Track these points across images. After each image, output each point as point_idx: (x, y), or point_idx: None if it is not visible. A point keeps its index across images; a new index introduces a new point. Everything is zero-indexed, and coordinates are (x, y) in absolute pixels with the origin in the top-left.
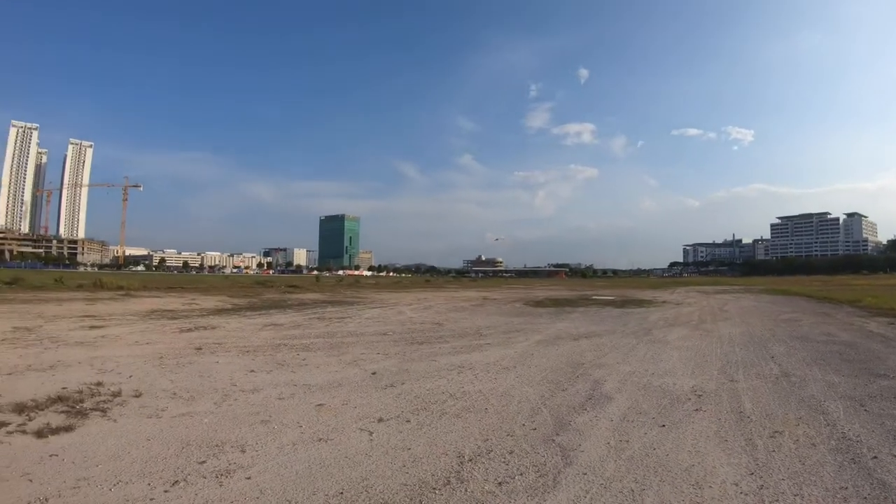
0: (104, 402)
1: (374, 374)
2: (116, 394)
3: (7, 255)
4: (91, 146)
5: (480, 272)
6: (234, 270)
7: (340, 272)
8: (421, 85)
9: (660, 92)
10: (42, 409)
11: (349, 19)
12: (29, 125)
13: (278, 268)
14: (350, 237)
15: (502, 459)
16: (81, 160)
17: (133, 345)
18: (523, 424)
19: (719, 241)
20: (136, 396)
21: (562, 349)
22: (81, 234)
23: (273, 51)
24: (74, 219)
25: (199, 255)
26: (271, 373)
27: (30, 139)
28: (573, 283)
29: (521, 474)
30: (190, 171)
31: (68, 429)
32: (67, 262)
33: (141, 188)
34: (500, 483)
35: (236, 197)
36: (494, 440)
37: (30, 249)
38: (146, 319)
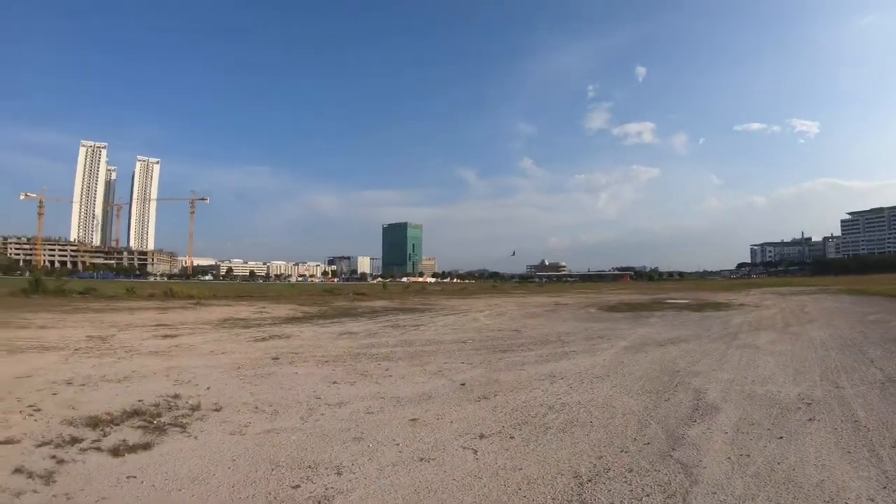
0: (183, 416)
1: (462, 385)
2: (195, 407)
3: (80, 266)
4: (158, 162)
5: (544, 277)
6: (300, 279)
7: (404, 279)
8: (478, 91)
9: (720, 86)
10: (118, 424)
11: (406, 32)
12: (98, 144)
13: (343, 276)
14: (413, 244)
15: (623, 479)
16: (149, 175)
17: (208, 354)
18: (635, 439)
19: (787, 239)
20: (217, 410)
21: (651, 356)
22: (151, 246)
23: (332, 63)
24: (144, 231)
25: (264, 264)
26: (355, 384)
27: (99, 157)
28: (641, 287)
29: (648, 496)
30: (253, 183)
31: (146, 446)
32: (138, 272)
33: (207, 201)
34: None
35: (299, 207)
36: (609, 457)
37: (102, 261)
38: (219, 328)
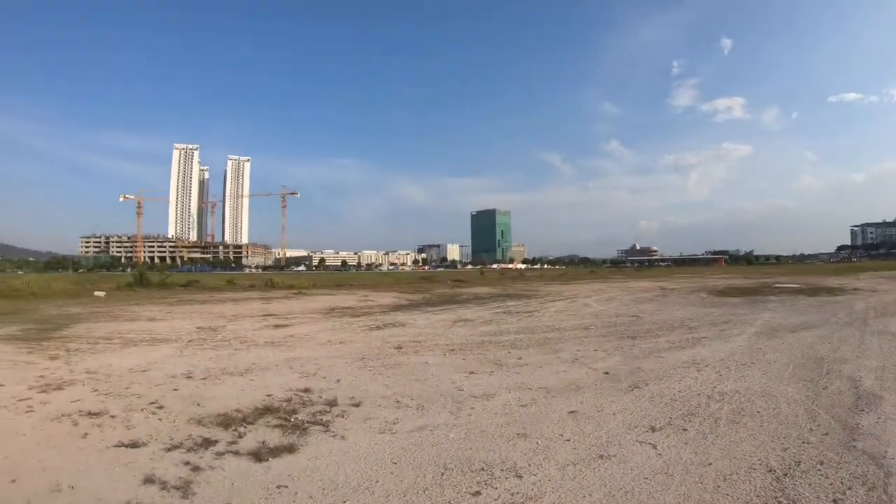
0: (320, 412)
1: (606, 374)
2: (332, 402)
3: (178, 261)
4: (248, 160)
5: (636, 262)
6: (391, 267)
7: (494, 266)
8: (559, 73)
9: (811, 56)
10: (251, 423)
11: (482, 14)
12: (190, 146)
13: (433, 263)
14: (502, 231)
15: (818, 472)
16: (240, 173)
17: (326, 344)
18: (811, 430)
19: (890, 219)
20: (356, 406)
21: (787, 342)
22: (245, 240)
23: (411, 50)
24: (238, 226)
25: (355, 253)
26: (493, 374)
27: (192, 158)
28: (740, 271)
29: (849, 489)
30: (340, 176)
31: (290, 449)
32: (233, 265)
33: (298, 195)
34: (834, 502)
35: (387, 197)
36: (793, 450)
37: (199, 255)
38: (328, 317)
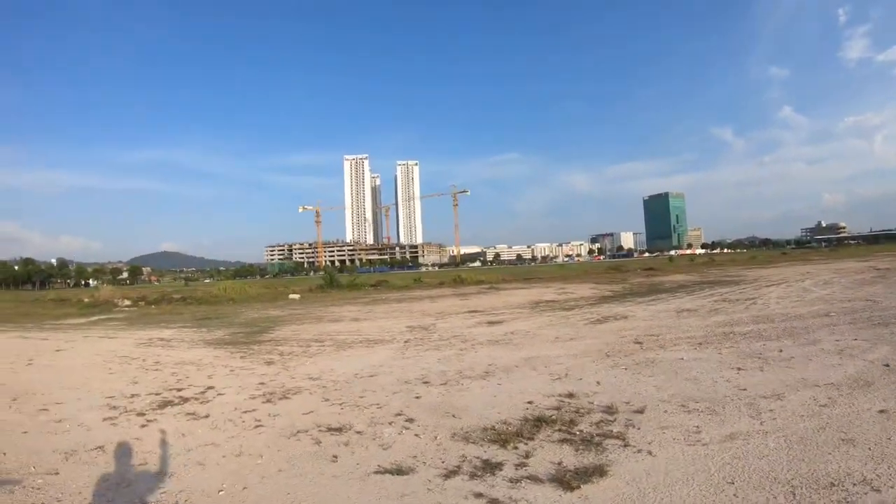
0: (603, 422)
1: (887, 366)
2: (609, 409)
3: (357, 263)
4: (416, 164)
5: (822, 241)
6: (566, 259)
7: (672, 252)
8: (721, 42)
9: None
10: (530, 438)
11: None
12: (359, 156)
13: (608, 253)
14: (676, 215)
15: None
16: (410, 177)
17: (555, 341)
18: None
19: None
20: (639, 412)
21: None
22: (419, 239)
23: (566, 40)
24: (412, 227)
25: (528, 247)
26: (764, 370)
27: (362, 167)
28: None
29: None
30: (505, 171)
31: (599, 471)
32: (410, 264)
33: (468, 192)
34: None
35: (555, 189)
36: None
37: (376, 256)
38: (538, 312)
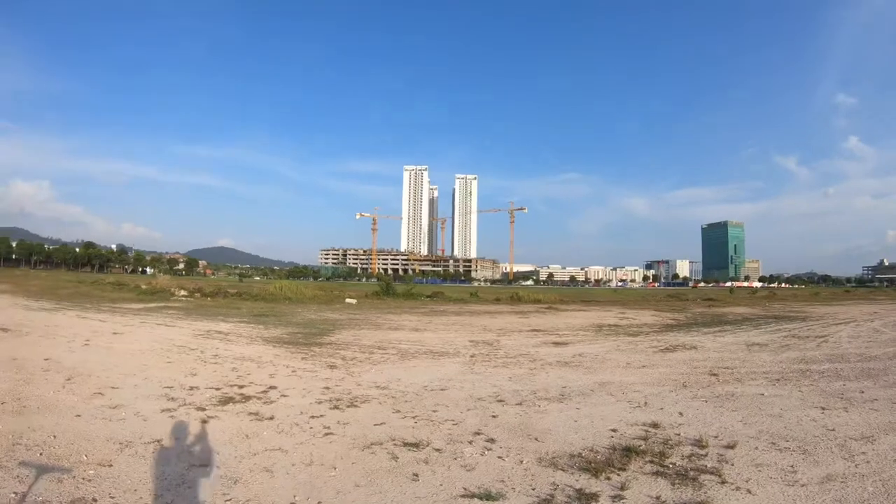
0: (695, 456)
1: None
2: (699, 443)
3: (410, 273)
4: (475, 178)
5: (885, 280)
6: (620, 284)
7: (728, 284)
8: (787, 64)
9: None
10: (621, 468)
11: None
12: (419, 167)
13: (663, 281)
14: (735, 245)
15: None
16: (468, 191)
17: (626, 367)
18: None
19: None
20: (729, 447)
21: None
22: (473, 254)
23: (635, 62)
24: (466, 240)
25: (582, 269)
26: (849, 411)
27: (421, 178)
28: None
29: None
30: (564, 191)
31: None
32: (463, 278)
33: (526, 210)
34: None
35: (612, 211)
36: None
37: (429, 268)
38: (603, 336)
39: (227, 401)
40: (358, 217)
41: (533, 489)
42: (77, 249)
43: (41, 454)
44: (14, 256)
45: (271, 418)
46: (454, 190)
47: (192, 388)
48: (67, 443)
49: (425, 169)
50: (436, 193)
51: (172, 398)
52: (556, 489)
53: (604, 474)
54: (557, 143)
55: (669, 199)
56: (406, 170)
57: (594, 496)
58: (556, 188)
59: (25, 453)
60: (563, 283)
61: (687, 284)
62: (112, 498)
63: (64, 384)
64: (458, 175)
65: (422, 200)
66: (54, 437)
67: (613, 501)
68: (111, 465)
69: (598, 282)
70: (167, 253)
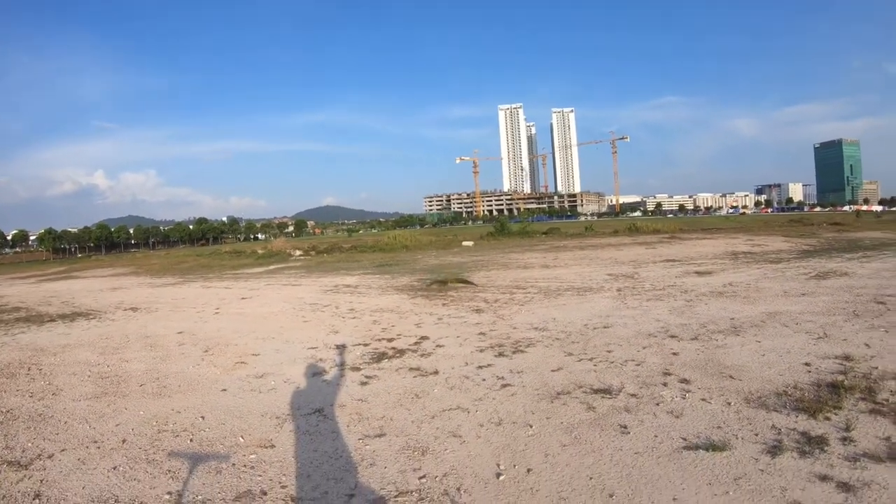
0: None
1: None
2: None
3: (515, 212)
4: (572, 111)
5: None
6: (731, 211)
7: (846, 208)
8: None
9: None
10: (837, 408)
11: None
12: (513, 106)
13: (776, 206)
14: (851, 165)
15: None
16: (566, 125)
17: (785, 296)
18: None
19: None
20: None
21: None
22: (577, 188)
23: None
24: (569, 175)
25: (690, 197)
26: None
27: (517, 117)
28: None
29: None
30: (664, 116)
31: None
32: (569, 213)
33: (627, 139)
34: None
35: (717, 134)
36: None
37: (534, 206)
38: (744, 263)
39: (380, 357)
40: (458, 161)
41: (755, 435)
42: (191, 226)
43: (191, 440)
44: (133, 241)
45: (436, 373)
46: (551, 125)
47: (338, 347)
48: (218, 423)
49: (520, 107)
50: (533, 130)
51: (321, 359)
52: (780, 434)
53: (821, 414)
54: (652, 64)
55: (777, 117)
56: (500, 109)
57: (823, 440)
58: (655, 113)
59: (174, 441)
60: (671, 212)
61: (802, 209)
62: (284, 488)
63: (202, 357)
64: (554, 109)
65: (520, 139)
66: (202, 417)
67: (844, 444)
68: (273, 447)
69: (707, 209)
70: (275, 218)
